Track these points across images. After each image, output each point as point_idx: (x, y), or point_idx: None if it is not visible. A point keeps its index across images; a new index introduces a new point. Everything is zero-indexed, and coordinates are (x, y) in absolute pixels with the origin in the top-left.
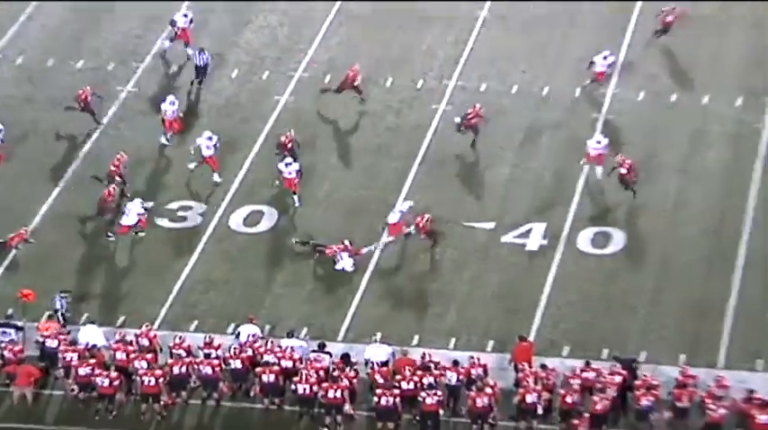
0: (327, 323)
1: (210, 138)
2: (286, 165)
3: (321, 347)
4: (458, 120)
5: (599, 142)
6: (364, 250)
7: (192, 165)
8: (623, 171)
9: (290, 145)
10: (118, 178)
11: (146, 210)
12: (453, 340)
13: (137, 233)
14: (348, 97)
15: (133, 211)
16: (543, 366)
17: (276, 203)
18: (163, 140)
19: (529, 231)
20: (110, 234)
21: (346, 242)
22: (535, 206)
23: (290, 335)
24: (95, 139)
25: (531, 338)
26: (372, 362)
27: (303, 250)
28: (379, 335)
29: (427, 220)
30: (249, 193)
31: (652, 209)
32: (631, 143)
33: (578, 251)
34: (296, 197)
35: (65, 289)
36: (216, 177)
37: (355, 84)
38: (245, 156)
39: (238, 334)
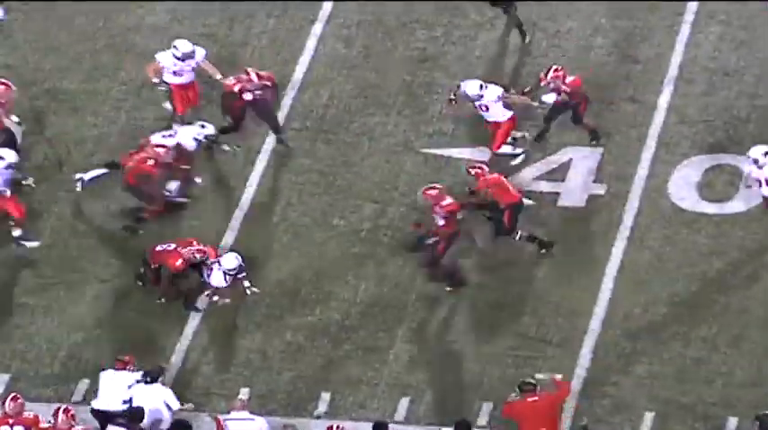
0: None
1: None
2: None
3: (133, 417)
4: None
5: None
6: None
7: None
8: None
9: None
10: None
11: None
12: (406, 401)
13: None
14: None
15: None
16: None
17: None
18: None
19: (568, 163)
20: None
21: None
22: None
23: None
24: None
25: (566, 382)
26: None
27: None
28: (245, 394)
29: None
30: None
31: None
32: None
33: (671, 206)
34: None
35: None
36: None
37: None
38: None
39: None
